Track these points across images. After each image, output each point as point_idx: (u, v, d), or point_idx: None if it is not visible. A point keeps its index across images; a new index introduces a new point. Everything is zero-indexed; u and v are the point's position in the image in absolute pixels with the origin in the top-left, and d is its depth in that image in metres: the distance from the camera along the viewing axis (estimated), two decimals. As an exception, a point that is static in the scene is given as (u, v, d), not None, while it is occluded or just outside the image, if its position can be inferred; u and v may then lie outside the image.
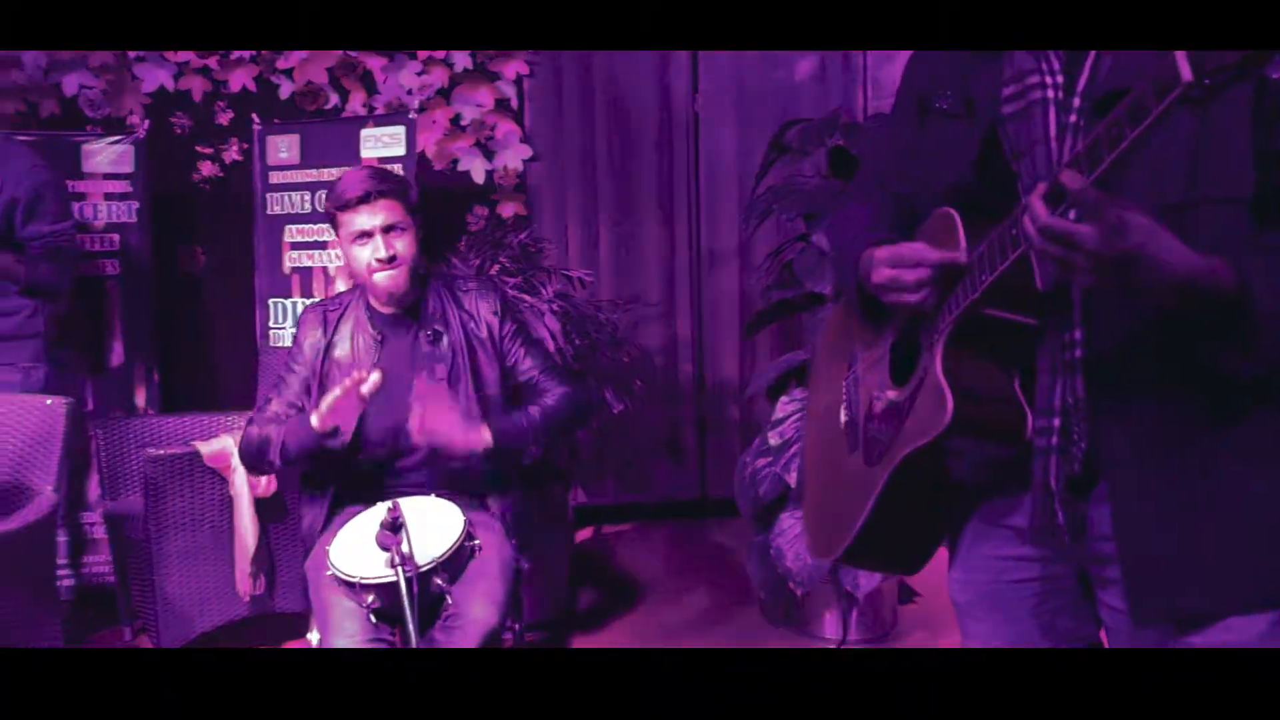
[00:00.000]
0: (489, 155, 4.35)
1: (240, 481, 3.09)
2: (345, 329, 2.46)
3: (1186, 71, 0.97)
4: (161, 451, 3.05)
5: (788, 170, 3.36)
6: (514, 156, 4.36)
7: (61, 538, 3.78)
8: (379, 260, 2.35)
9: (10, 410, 2.67)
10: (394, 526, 1.99)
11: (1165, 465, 1.24)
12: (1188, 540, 1.23)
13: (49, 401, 2.66)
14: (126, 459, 3.39)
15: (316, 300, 2.56)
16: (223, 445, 3.10)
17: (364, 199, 2.34)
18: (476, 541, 2.27)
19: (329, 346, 2.44)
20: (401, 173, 3.78)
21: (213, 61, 4.30)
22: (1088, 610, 1.41)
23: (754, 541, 3.22)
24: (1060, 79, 1.29)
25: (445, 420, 2.29)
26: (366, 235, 2.35)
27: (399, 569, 1.94)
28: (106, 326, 4.01)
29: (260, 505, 3.11)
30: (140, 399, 4.02)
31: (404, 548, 1.96)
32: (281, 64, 4.30)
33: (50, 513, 2.49)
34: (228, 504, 3.11)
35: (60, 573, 3.81)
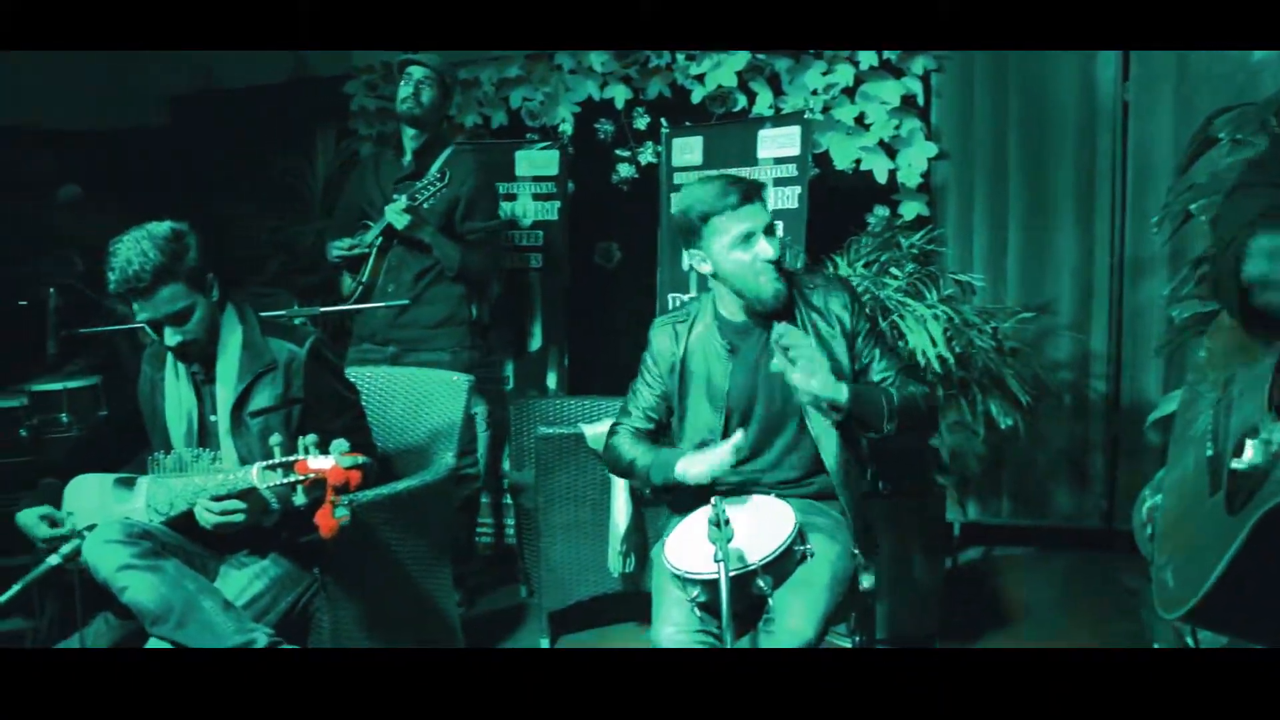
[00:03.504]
0: (892, 154, 4.22)
1: (618, 464, 3.27)
2: (696, 340, 2.46)
3: None
4: (551, 431, 3.31)
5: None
6: (918, 155, 4.20)
7: (484, 500, 4.26)
8: (766, 261, 2.31)
9: (431, 385, 3.04)
10: (717, 523, 2.01)
11: None
12: None
13: (454, 378, 3.00)
14: (530, 435, 3.73)
15: (665, 315, 2.59)
16: (604, 430, 3.29)
17: (747, 198, 2.30)
18: (808, 546, 2.22)
19: (684, 359, 2.47)
20: (795, 173, 3.81)
21: (633, 70, 4.60)
22: None
23: (1148, 586, 2.84)
24: None
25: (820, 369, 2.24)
26: (749, 237, 2.31)
27: (719, 566, 1.95)
28: (528, 314, 4.44)
29: (634, 489, 3.27)
30: (552, 381, 4.41)
31: (725, 546, 1.97)
32: (694, 70, 4.49)
33: (446, 477, 2.81)
34: (607, 484, 3.31)
35: (480, 530, 4.30)
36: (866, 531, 2.45)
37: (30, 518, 2.43)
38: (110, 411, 2.66)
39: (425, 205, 3.46)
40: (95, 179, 5.22)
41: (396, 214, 3.43)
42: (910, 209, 4.20)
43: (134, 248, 2.25)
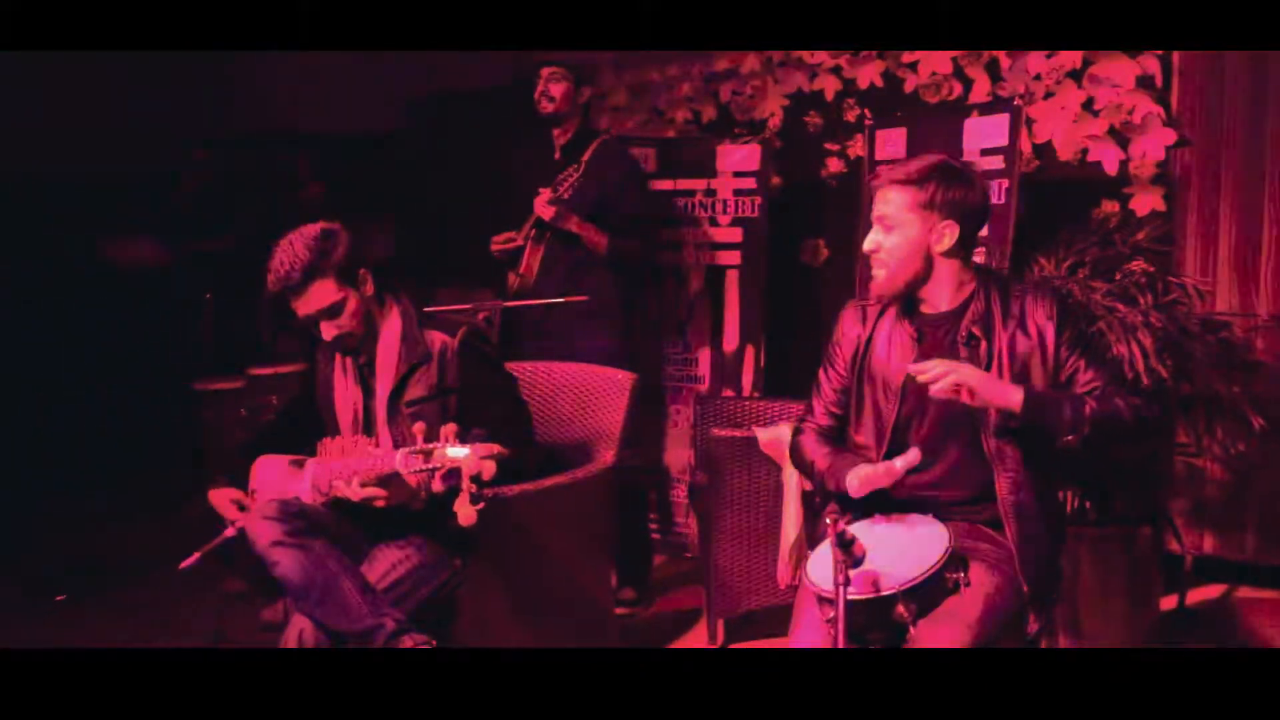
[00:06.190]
0: (1123, 143, 3.82)
1: (790, 471, 3.13)
2: (884, 324, 2.33)
3: None
4: (722, 432, 3.23)
5: None
6: (1155, 142, 3.76)
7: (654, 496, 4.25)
8: (867, 252, 2.22)
9: (595, 382, 3.03)
10: (841, 541, 1.86)
11: None
12: None
13: (619, 377, 2.97)
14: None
15: (857, 298, 2.46)
16: (778, 434, 3.18)
17: (880, 182, 2.20)
18: (960, 574, 2.03)
19: (868, 343, 2.34)
20: (1002, 165, 3.52)
21: (843, 60, 4.41)
22: None
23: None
24: None
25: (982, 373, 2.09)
26: (875, 221, 2.21)
27: (839, 587, 1.81)
28: (727, 312, 4.37)
29: (808, 497, 3.13)
30: (747, 381, 4.32)
31: (845, 567, 1.82)
32: (907, 57, 4.25)
33: (601, 474, 2.78)
34: (781, 490, 3.18)
35: (652, 527, 4.27)
36: (1047, 566, 2.20)
37: (219, 495, 2.62)
38: (295, 397, 2.84)
39: (567, 196, 3.57)
40: (336, 178, 5.62)
41: (542, 206, 3.56)
42: (1144, 203, 3.79)
43: (286, 249, 2.40)
